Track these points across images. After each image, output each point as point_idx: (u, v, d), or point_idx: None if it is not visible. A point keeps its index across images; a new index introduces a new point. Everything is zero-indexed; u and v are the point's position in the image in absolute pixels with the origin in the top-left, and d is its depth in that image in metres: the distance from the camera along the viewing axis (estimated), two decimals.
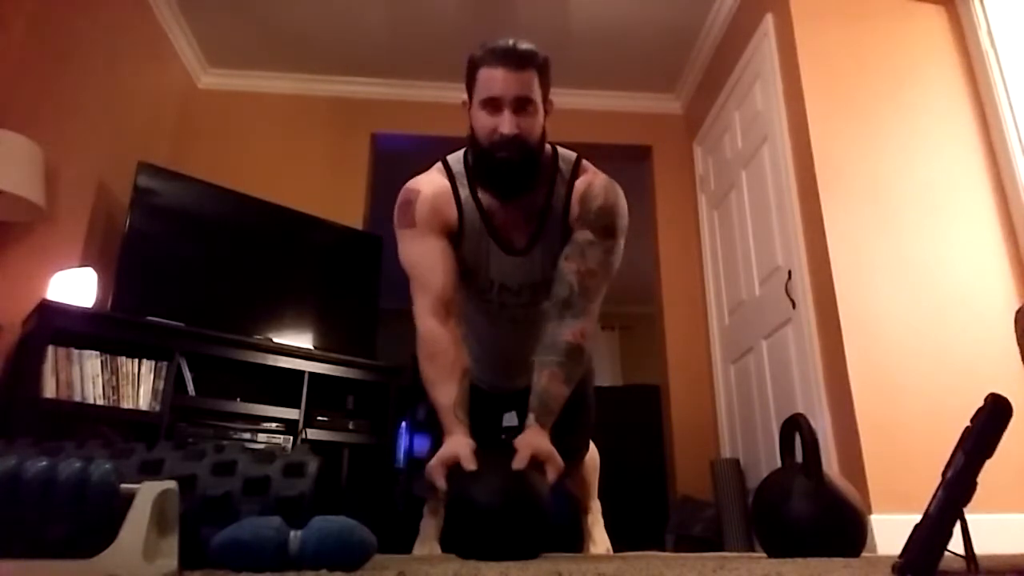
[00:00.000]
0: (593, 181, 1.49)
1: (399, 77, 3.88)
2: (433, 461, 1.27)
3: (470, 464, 1.22)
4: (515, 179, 1.42)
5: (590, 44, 3.62)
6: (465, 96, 1.46)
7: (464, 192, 1.47)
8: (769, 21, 2.90)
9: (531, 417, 1.34)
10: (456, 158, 1.52)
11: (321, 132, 3.85)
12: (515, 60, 1.37)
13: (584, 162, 1.52)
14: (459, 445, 1.27)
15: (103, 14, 2.92)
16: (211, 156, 3.57)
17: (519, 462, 1.22)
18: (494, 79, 1.37)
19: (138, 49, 3.23)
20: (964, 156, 2.59)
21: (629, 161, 4.10)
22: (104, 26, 2.93)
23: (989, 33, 2.65)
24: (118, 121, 3.07)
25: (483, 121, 1.39)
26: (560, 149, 1.52)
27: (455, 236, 1.48)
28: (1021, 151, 2.49)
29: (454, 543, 1.24)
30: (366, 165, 3.83)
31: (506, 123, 1.36)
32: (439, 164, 1.53)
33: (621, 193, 1.51)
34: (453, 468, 1.24)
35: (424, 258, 1.46)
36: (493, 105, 1.37)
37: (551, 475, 1.26)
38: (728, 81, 3.33)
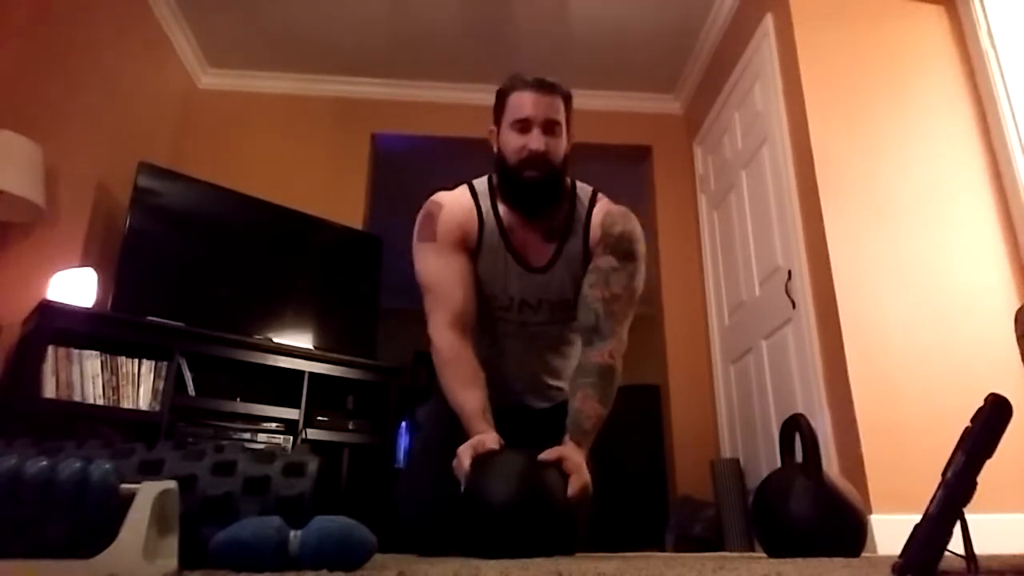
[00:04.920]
0: (611, 209, 1.57)
1: (399, 77, 3.88)
2: (463, 446, 1.29)
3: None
4: (540, 196, 1.49)
5: (590, 44, 3.62)
6: (492, 127, 1.55)
7: (486, 207, 1.52)
8: (769, 21, 2.90)
9: (566, 437, 1.35)
10: (480, 180, 1.58)
11: (321, 132, 3.85)
12: (545, 86, 1.48)
13: (599, 193, 1.60)
14: (489, 439, 1.29)
15: (103, 14, 2.92)
16: (211, 156, 3.57)
17: (544, 456, 1.25)
18: (525, 102, 1.46)
19: (138, 49, 3.23)
20: (964, 156, 2.59)
21: (629, 161, 4.10)
22: (104, 26, 2.93)
23: (989, 33, 2.65)
24: (118, 121, 3.07)
25: (513, 141, 1.47)
26: (577, 181, 1.59)
27: (474, 252, 1.51)
28: (1021, 151, 2.49)
29: (467, 541, 1.22)
30: (366, 165, 3.83)
31: (535, 140, 1.44)
32: (463, 185, 1.59)
33: (637, 221, 1.58)
34: (477, 458, 1.25)
35: (444, 273, 1.48)
36: (523, 126, 1.46)
37: (573, 487, 1.25)
38: (728, 81, 3.33)
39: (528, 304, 1.55)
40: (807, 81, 2.61)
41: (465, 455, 1.26)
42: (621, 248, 1.51)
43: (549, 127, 1.46)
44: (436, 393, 1.64)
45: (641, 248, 1.55)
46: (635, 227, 1.55)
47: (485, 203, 1.52)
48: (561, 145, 1.48)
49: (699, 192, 3.73)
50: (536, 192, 1.47)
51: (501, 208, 1.52)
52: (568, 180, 1.57)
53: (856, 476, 2.08)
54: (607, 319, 1.46)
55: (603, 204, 1.57)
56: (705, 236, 3.63)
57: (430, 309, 1.48)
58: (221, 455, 0.88)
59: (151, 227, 2.81)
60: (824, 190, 2.46)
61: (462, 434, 1.36)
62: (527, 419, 1.54)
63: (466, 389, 1.40)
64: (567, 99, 1.52)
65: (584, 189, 1.58)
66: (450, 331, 1.44)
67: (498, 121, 1.53)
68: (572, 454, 1.29)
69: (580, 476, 1.26)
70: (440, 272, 1.48)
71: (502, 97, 1.51)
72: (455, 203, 1.53)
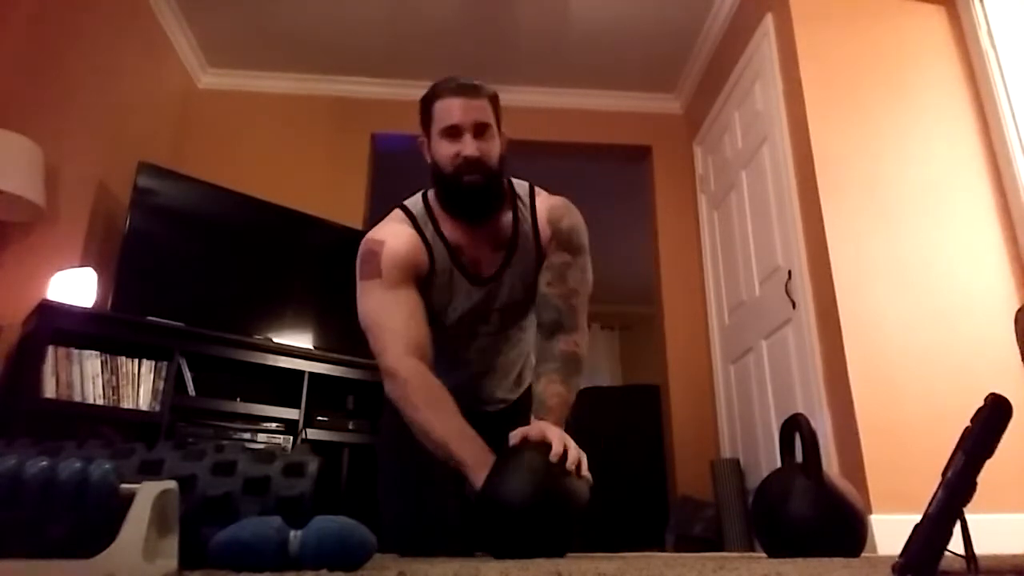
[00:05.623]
0: (553, 202, 1.53)
1: (399, 77, 3.88)
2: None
3: None
4: (482, 201, 1.45)
5: (590, 44, 3.61)
6: (421, 137, 1.50)
7: (429, 232, 1.47)
8: (769, 21, 2.90)
9: (532, 418, 1.34)
10: (414, 201, 1.53)
11: (321, 132, 3.85)
12: (469, 90, 1.44)
13: (536, 187, 1.56)
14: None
15: (103, 14, 2.92)
16: (211, 156, 3.57)
17: (525, 433, 1.24)
18: (451, 108, 1.42)
19: (138, 49, 3.23)
20: (964, 156, 2.59)
21: (629, 161, 4.10)
22: (104, 26, 2.93)
23: (989, 33, 2.65)
24: (118, 121, 3.07)
25: (445, 149, 1.42)
26: (513, 179, 1.55)
27: (425, 279, 1.47)
28: (1021, 151, 2.49)
29: (485, 542, 1.22)
30: (366, 165, 3.83)
31: (468, 146, 1.40)
32: (397, 211, 1.53)
33: (577, 210, 1.56)
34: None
35: (393, 307, 1.41)
36: (453, 133, 1.42)
37: (555, 449, 1.21)
38: (728, 81, 3.33)
39: (478, 316, 1.53)
40: (807, 81, 2.61)
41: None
42: (574, 243, 1.49)
43: (479, 130, 1.42)
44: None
45: (586, 239, 1.52)
46: (579, 218, 1.53)
47: (428, 229, 1.47)
48: (494, 147, 1.45)
49: (699, 192, 3.73)
50: (478, 196, 1.43)
51: (445, 227, 1.48)
52: (505, 181, 1.53)
53: (856, 476, 2.09)
54: (569, 314, 1.44)
55: (544, 198, 1.53)
56: (705, 236, 3.63)
57: (381, 347, 1.39)
58: (221, 455, 0.87)
59: (151, 227, 2.81)
60: (824, 190, 2.46)
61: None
62: (483, 421, 1.55)
63: (443, 411, 1.33)
64: (493, 99, 1.48)
65: (521, 186, 1.54)
66: (411, 358, 1.36)
67: (427, 131, 1.48)
68: (547, 427, 1.26)
69: (559, 438, 1.23)
70: (389, 307, 1.41)
71: (427, 105, 1.48)
72: (398, 239, 1.46)
